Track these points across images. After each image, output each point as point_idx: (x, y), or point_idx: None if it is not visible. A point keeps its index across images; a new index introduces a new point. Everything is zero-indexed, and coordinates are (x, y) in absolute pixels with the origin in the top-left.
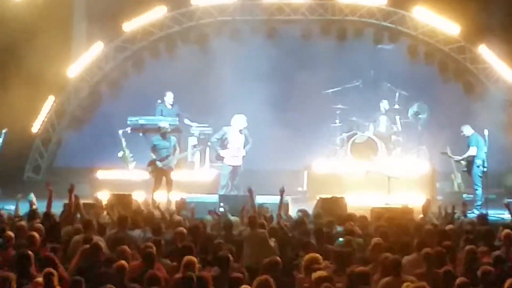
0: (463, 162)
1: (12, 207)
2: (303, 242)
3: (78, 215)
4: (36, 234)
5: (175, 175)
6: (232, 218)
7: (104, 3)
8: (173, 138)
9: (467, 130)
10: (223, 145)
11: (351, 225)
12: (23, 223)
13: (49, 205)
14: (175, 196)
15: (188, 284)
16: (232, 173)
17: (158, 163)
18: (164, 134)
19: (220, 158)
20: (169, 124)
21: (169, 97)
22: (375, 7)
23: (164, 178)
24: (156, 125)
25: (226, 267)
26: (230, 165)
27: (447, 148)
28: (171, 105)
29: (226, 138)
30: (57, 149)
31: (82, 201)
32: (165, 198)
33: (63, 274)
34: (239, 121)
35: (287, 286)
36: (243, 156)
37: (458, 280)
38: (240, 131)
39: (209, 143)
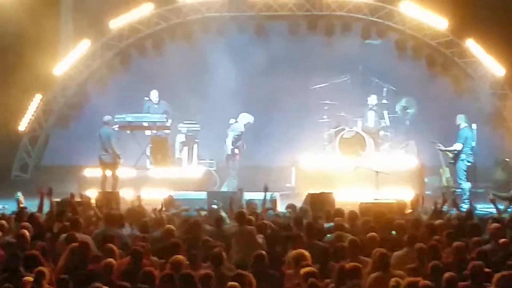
0: (449, 154)
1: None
2: (292, 238)
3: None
4: (26, 233)
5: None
6: (224, 214)
7: (91, 0)
8: None
9: (461, 122)
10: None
11: (340, 221)
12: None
13: (40, 209)
14: (163, 194)
15: (175, 282)
16: None
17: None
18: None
19: (234, 155)
20: (158, 121)
21: (153, 95)
22: (362, 2)
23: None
24: (144, 122)
25: (219, 264)
26: None
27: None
28: (156, 103)
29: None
30: (45, 148)
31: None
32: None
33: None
34: (247, 119)
35: (276, 281)
36: None
37: (446, 275)
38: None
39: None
